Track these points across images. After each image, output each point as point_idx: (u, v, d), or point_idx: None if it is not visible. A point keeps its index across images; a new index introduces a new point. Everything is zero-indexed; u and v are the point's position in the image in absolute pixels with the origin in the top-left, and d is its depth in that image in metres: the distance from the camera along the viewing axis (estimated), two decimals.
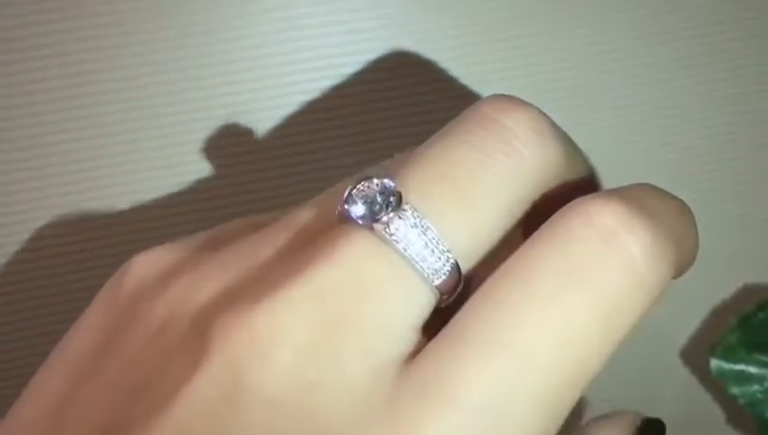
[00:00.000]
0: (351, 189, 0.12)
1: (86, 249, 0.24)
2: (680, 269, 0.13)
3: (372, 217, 0.12)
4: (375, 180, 0.12)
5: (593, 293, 0.11)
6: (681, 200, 0.14)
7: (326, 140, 0.24)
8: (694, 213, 0.15)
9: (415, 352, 0.12)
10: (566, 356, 0.11)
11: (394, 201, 0.12)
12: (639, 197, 0.12)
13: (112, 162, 0.23)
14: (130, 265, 0.14)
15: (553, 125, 0.13)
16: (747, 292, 0.28)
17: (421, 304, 0.12)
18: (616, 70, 0.25)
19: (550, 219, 0.12)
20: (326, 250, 0.12)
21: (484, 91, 0.25)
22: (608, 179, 0.16)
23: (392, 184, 0.12)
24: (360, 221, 0.12)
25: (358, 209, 0.12)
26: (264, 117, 0.24)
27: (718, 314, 0.29)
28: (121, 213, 0.24)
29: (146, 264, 0.14)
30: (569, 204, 0.12)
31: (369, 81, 0.24)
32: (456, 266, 0.12)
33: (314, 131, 0.24)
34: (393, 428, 0.11)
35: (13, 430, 0.15)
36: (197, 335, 0.12)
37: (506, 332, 0.11)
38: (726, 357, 0.26)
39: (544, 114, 0.13)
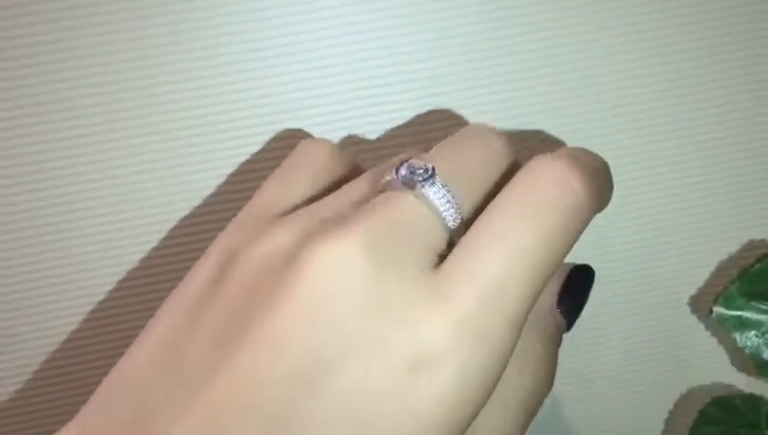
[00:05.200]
0: (408, 170, 0.18)
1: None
2: (602, 207, 0.19)
3: (420, 187, 0.18)
4: (422, 163, 0.18)
5: (556, 212, 0.17)
6: (600, 158, 0.20)
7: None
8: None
9: (438, 265, 0.17)
10: (543, 251, 0.17)
11: (434, 179, 0.18)
12: (575, 155, 0.18)
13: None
14: (233, 244, 0.18)
15: (505, 142, 0.20)
16: (750, 247, 0.30)
17: (443, 237, 0.18)
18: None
19: (524, 170, 0.18)
20: (390, 204, 0.17)
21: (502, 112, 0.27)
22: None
23: (432, 167, 0.18)
24: (407, 189, 0.18)
25: (410, 182, 0.18)
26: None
27: (724, 267, 0.30)
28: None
29: (253, 241, 0.18)
30: (533, 162, 0.18)
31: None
32: (462, 217, 0.18)
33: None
34: (438, 305, 0.16)
35: (131, 368, 0.17)
36: (294, 261, 0.16)
37: (504, 239, 0.17)
38: (727, 305, 0.27)
39: (500, 136, 0.20)
